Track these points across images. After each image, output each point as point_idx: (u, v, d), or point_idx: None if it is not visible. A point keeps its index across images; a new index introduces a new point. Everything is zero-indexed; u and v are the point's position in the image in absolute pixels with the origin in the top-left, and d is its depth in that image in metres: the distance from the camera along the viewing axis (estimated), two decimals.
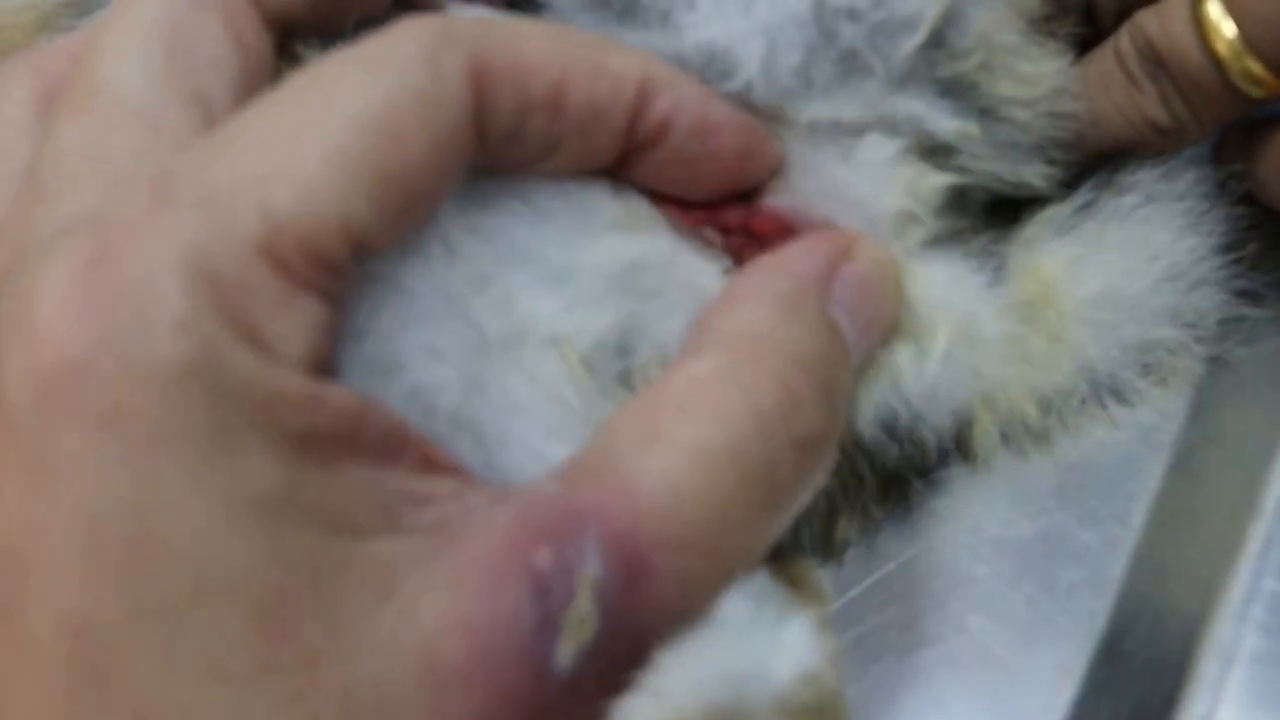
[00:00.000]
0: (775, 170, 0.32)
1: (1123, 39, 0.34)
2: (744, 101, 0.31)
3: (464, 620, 0.22)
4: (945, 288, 0.33)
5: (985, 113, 0.33)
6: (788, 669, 0.23)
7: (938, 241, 0.34)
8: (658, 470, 0.24)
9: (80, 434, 0.21)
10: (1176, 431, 0.37)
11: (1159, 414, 0.37)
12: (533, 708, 0.22)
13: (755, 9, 0.31)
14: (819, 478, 0.27)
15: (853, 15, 0.31)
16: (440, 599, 0.22)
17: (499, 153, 0.27)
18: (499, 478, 0.26)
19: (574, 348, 0.28)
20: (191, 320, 0.21)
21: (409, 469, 0.24)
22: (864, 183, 0.32)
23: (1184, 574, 0.35)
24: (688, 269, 0.30)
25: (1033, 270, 0.35)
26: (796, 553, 0.33)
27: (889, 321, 0.32)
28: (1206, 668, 0.33)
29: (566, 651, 0.22)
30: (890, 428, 0.33)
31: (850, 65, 0.32)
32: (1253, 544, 0.35)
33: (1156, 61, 0.34)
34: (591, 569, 0.23)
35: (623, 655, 0.23)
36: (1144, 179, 0.36)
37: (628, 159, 0.29)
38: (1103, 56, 0.35)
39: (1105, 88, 0.35)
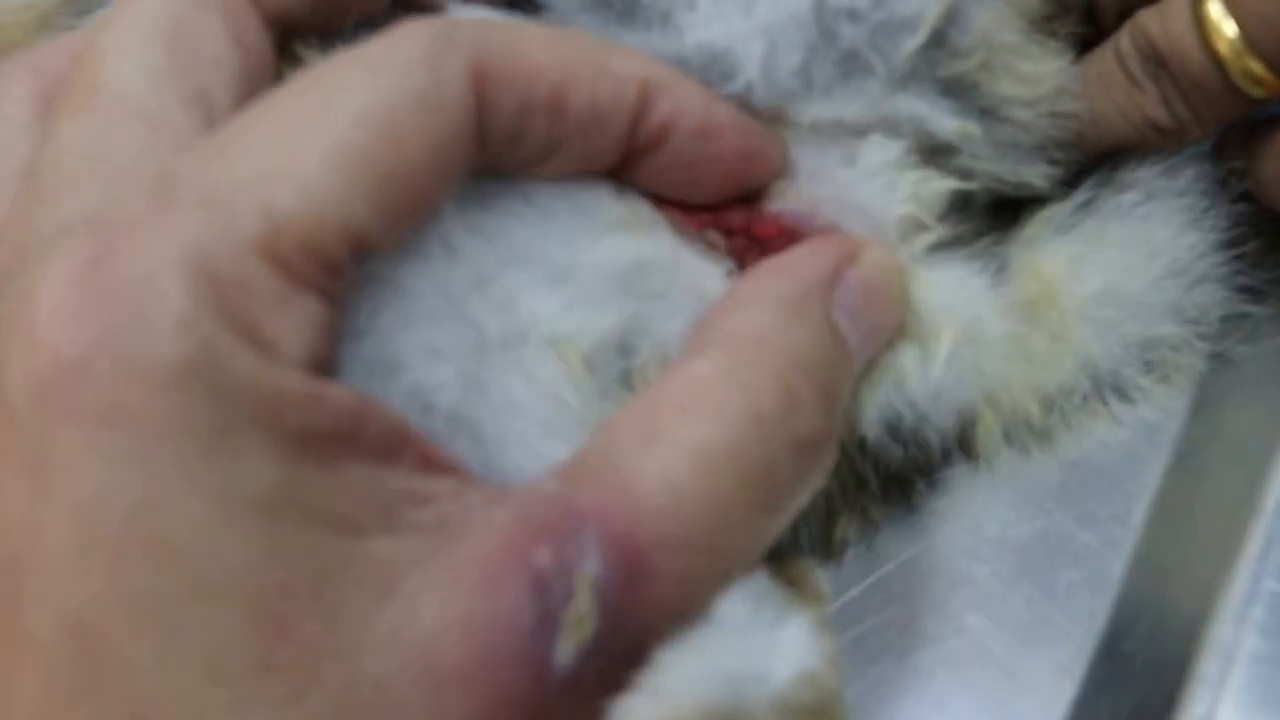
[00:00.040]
0: (778, 173, 0.32)
1: (1123, 39, 0.34)
2: (745, 103, 0.31)
3: (463, 619, 0.22)
4: (949, 291, 0.33)
5: (986, 112, 0.33)
6: (786, 669, 0.23)
7: (942, 245, 0.34)
8: (658, 470, 0.24)
9: (79, 434, 0.21)
10: (1178, 429, 0.37)
11: (1161, 411, 0.37)
12: (532, 706, 0.22)
13: (755, 9, 0.31)
14: (818, 479, 0.27)
15: (853, 15, 0.31)
16: (440, 598, 0.22)
17: (500, 155, 0.27)
18: (498, 477, 0.26)
19: (575, 348, 0.28)
20: (191, 320, 0.21)
21: (409, 468, 0.24)
22: (868, 187, 0.32)
23: (1184, 574, 0.36)
24: (690, 271, 0.30)
25: (1034, 270, 0.35)
26: (795, 553, 0.33)
27: (893, 326, 0.32)
28: (1206, 668, 0.33)
29: (566, 650, 0.23)
30: (894, 429, 0.33)
31: (851, 65, 0.32)
32: (1253, 544, 0.35)
33: (1157, 61, 0.34)
34: (591, 567, 0.23)
35: (622, 654, 0.23)
36: (1144, 176, 0.36)
37: (629, 162, 0.29)
38: (1103, 56, 0.35)
39: (1106, 87, 0.35)
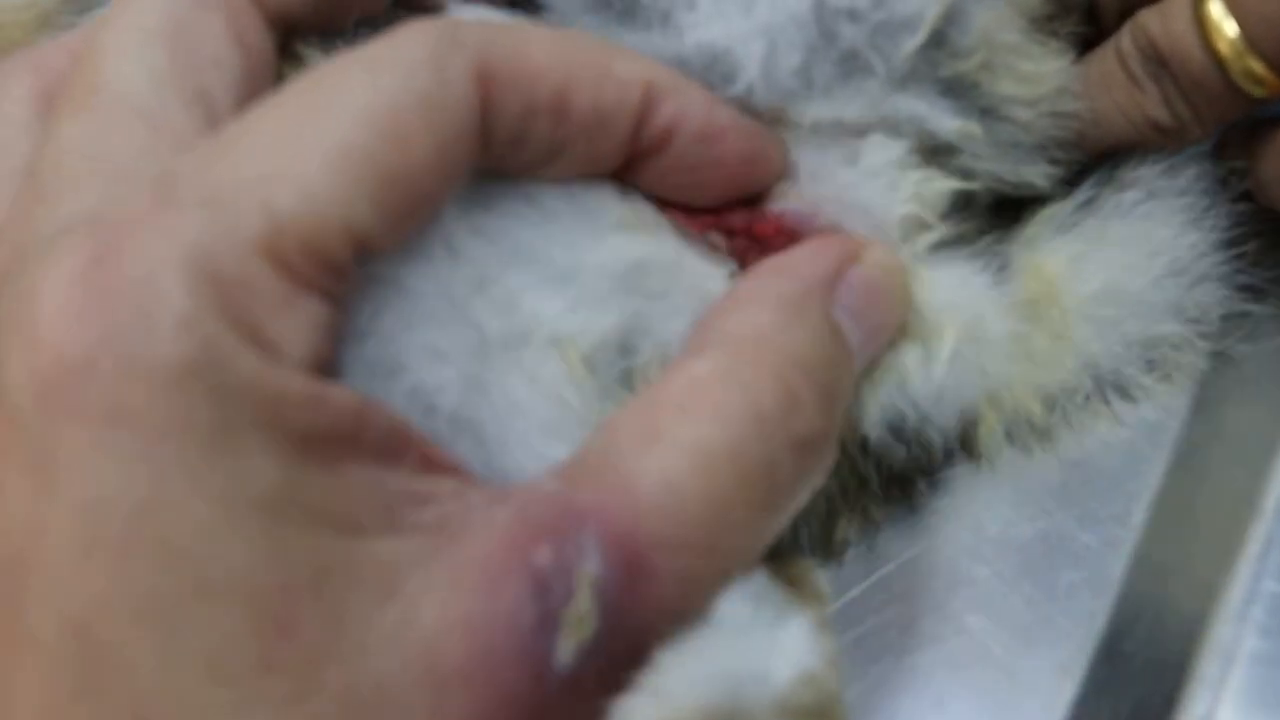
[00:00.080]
0: (780, 176, 0.32)
1: (1124, 38, 0.35)
2: (746, 105, 0.31)
3: (464, 619, 0.22)
4: (952, 290, 0.33)
5: (987, 112, 0.33)
6: (787, 670, 0.23)
7: (944, 244, 0.34)
8: (657, 470, 0.24)
9: (81, 433, 0.21)
10: (1179, 428, 0.37)
11: (1162, 410, 0.37)
12: (533, 706, 0.23)
13: (755, 10, 0.31)
14: (818, 479, 0.27)
15: (853, 15, 0.31)
16: (441, 598, 0.22)
17: (503, 157, 0.27)
18: (499, 478, 0.27)
19: (576, 348, 0.28)
20: (193, 320, 0.21)
21: (410, 469, 0.24)
22: (870, 186, 0.32)
23: (1184, 574, 0.36)
24: (692, 271, 0.30)
25: (1035, 269, 0.35)
26: (796, 553, 0.33)
27: (895, 326, 0.32)
28: (1206, 668, 0.34)
29: (566, 649, 0.23)
30: (897, 429, 0.33)
31: (851, 65, 0.32)
32: (1253, 545, 0.35)
33: (1158, 61, 0.34)
34: (591, 567, 0.23)
35: (622, 654, 0.23)
36: (1145, 175, 0.36)
37: (632, 165, 0.29)
38: (1104, 56, 0.35)
39: (1107, 87, 0.35)
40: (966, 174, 0.34)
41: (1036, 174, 0.35)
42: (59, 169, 0.25)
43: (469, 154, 0.26)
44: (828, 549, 0.35)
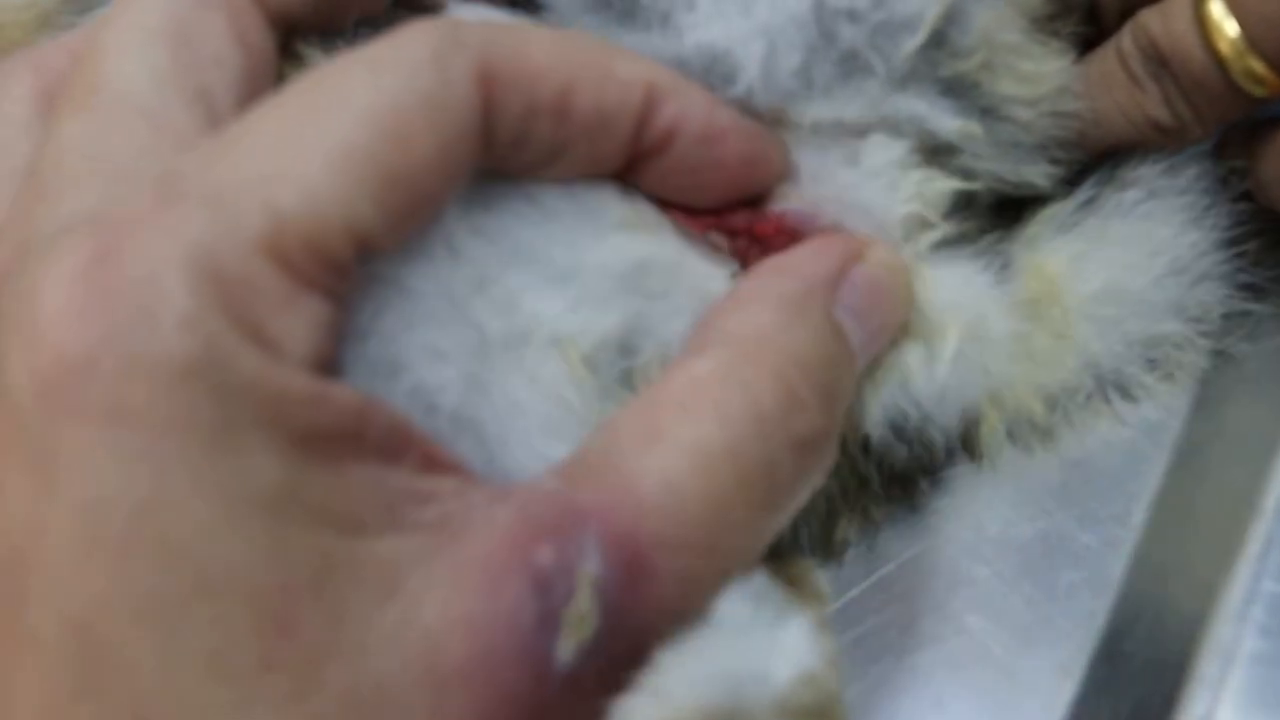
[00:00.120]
0: (781, 177, 0.32)
1: (1125, 38, 0.35)
2: (746, 106, 0.31)
3: (465, 618, 0.22)
4: (954, 289, 0.33)
5: (987, 112, 0.34)
6: (787, 670, 0.23)
7: (946, 243, 0.34)
8: (658, 469, 0.24)
9: (83, 432, 0.21)
10: (1180, 427, 0.37)
11: (1163, 410, 0.37)
12: (533, 706, 0.23)
13: (755, 10, 0.31)
14: (818, 478, 0.28)
15: (853, 16, 0.31)
16: (442, 597, 0.22)
17: (505, 157, 0.27)
18: (501, 477, 0.27)
19: (577, 348, 0.28)
20: (196, 318, 0.21)
21: (411, 467, 0.24)
22: (871, 186, 0.33)
23: (1184, 575, 0.36)
24: (694, 271, 0.30)
25: (1036, 268, 0.36)
26: (796, 553, 0.33)
27: (898, 326, 0.32)
28: (1206, 668, 0.34)
29: (567, 649, 0.23)
30: (899, 429, 0.34)
31: (851, 66, 0.32)
32: (1253, 545, 0.35)
33: (1159, 61, 0.34)
34: (592, 566, 0.23)
35: (622, 654, 0.23)
36: (1146, 174, 0.36)
37: (633, 166, 0.29)
38: (1105, 56, 0.35)
39: (1108, 87, 0.35)
40: (967, 174, 0.34)
41: (1037, 174, 0.35)
42: (60, 168, 0.25)
43: (471, 154, 0.26)
44: (828, 549, 0.35)
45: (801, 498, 0.27)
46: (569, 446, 0.26)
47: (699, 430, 0.25)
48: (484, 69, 0.25)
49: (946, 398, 0.33)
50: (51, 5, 0.35)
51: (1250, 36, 0.32)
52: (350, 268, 0.24)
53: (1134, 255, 0.36)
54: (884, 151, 0.33)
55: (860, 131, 0.33)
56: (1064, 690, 0.34)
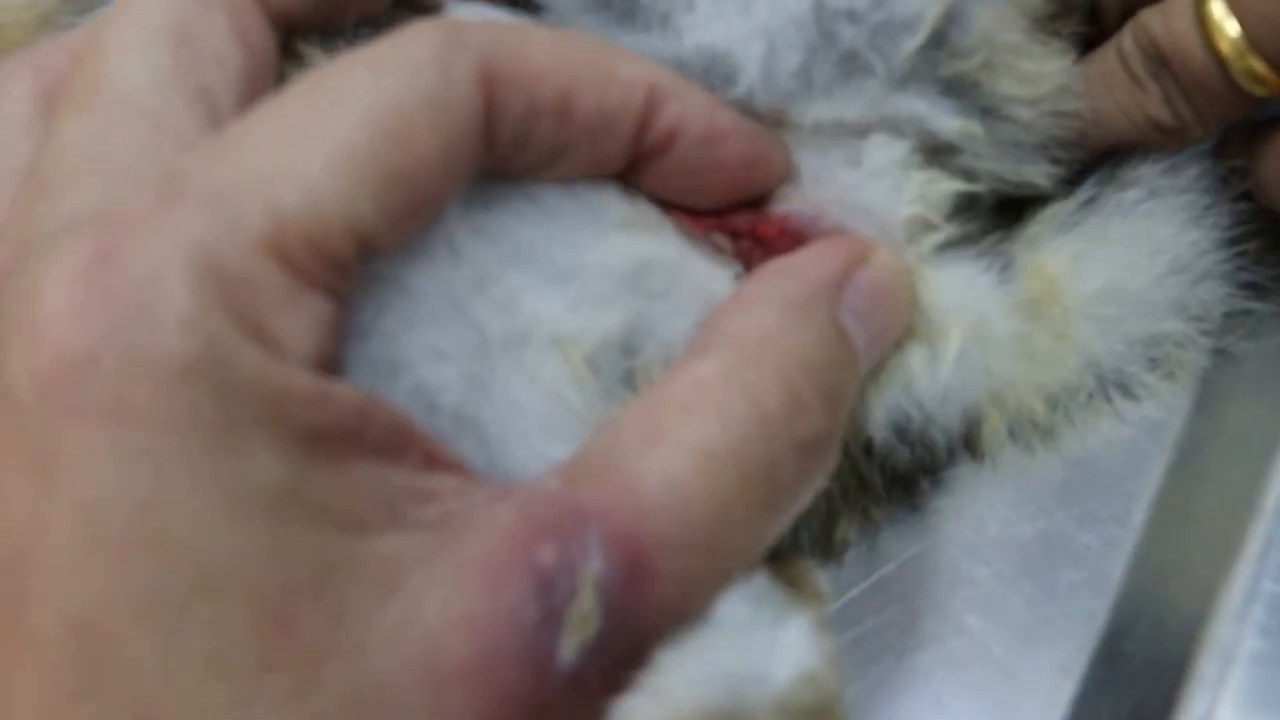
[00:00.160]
0: (782, 179, 0.32)
1: (1126, 38, 0.35)
2: (746, 107, 0.31)
3: (467, 617, 0.22)
4: (957, 290, 0.34)
5: (988, 112, 0.34)
6: (787, 670, 0.23)
7: (948, 245, 0.34)
8: (660, 470, 0.25)
9: (84, 430, 0.21)
10: (1181, 426, 0.37)
11: (1164, 409, 0.37)
12: (534, 705, 0.23)
13: (754, 11, 0.31)
14: (820, 480, 0.28)
15: (852, 16, 0.31)
16: (443, 596, 0.22)
17: (506, 158, 0.27)
18: (502, 476, 0.27)
19: (578, 348, 0.28)
20: (197, 316, 0.21)
21: (413, 466, 0.24)
22: (873, 188, 0.33)
23: (1184, 575, 0.36)
24: (696, 272, 0.31)
25: (1037, 268, 0.36)
26: (796, 553, 0.33)
27: (901, 329, 0.32)
28: (1206, 668, 0.34)
29: (569, 648, 0.23)
30: (902, 430, 0.34)
31: (850, 66, 0.32)
32: (1253, 545, 0.35)
33: (1160, 61, 0.34)
34: (594, 566, 0.23)
35: (623, 653, 0.23)
36: (1146, 174, 0.36)
37: (635, 167, 0.29)
38: (1106, 55, 0.35)
39: (1108, 87, 0.35)
40: (968, 173, 0.34)
41: (1038, 173, 0.35)
42: (61, 167, 0.25)
43: (473, 154, 0.26)
44: (828, 549, 0.35)
45: (804, 500, 0.27)
46: (570, 446, 0.26)
47: (702, 431, 0.25)
48: (486, 69, 0.25)
49: (949, 398, 0.34)
50: (51, 5, 0.35)
51: (1251, 36, 0.32)
52: (352, 267, 0.24)
53: (1135, 254, 0.36)
54: (886, 152, 0.33)
55: (861, 132, 0.33)
56: (1064, 690, 0.34)
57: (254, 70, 0.27)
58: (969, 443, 0.36)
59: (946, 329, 0.33)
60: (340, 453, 0.23)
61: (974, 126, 0.33)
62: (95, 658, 0.21)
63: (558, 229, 0.28)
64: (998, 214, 0.36)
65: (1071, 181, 0.36)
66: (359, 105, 0.24)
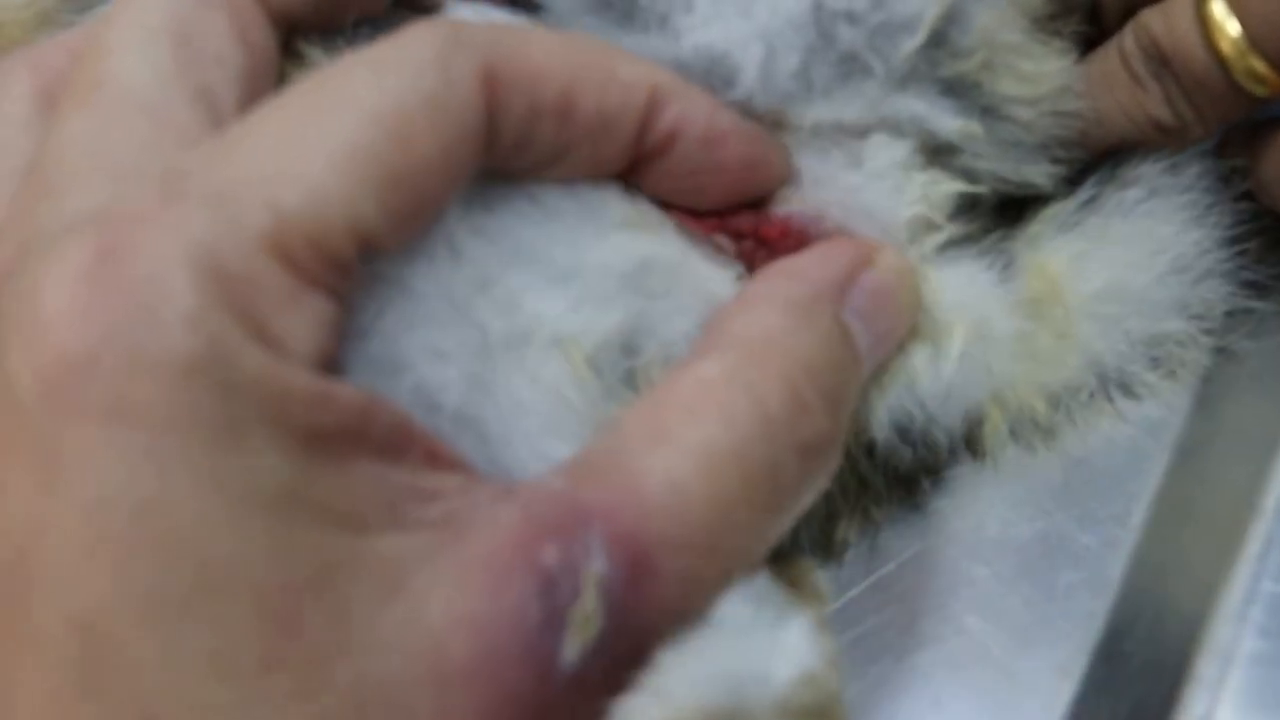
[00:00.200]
0: (783, 181, 0.32)
1: (1127, 38, 0.35)
2: (746, 109, 0.32)
3: (470, 617, 0.22)
4: (959, 290, 0.34)
5: (988, 111, 0.34)
6: (788, 670, 0.23)
7: (951, 245, 0.34)
8: (663, 470, 0.25)
9: (86, 429, 0.21)
10: (1181, 425, 0.38)
11: (1165, 407, 0.37)
12: (537, 705, 0.23)
13: (753, 12, 0.31)
14: (822, 481, 0.28)
15: (851, 18, 0.31)
16: (446, 595, 0.23)
17: (507, 158, 0.27)
18: (503, 476, 0.27)
19: (579, 347, 0.28)
20: (200, 316, 0.21)
21: (415, 464, 0.24)
22: (875, 189, 0.33)
23: (1183, 575, 0.36)
24: (697, 272, 0.31)
25: (1038, 267, 0.36)
26: (795, 553, 0.34)
27: (905, 331, 0.33)
28: (1205, 669, 0.34)
29: (571, 649, 0.23)
30: (904, 431, 0.34)
31: (850, 67, 0.32)
32: (1252, 545, 0.35)
33: (1161, 60, 0.34)
34: (597, 566, 0.23)
35: (625, 653, 0.23)
36: (1147, 173, 0.36)
37: (636, 168, 0.30)
38: (1107, 55, 0.35)
39: (1109, 87, 0.35)
40: (968, 174, 0.34)
41: (1038, 173, 0.35)
42: (62, 165, 0.25)
43: (474, 155, 0.26)
44: (828, 549, 0.35)
45: (805, 501, 0.27)
46: (571, 446, 0.26)
47: (705, 432, 0.25)
48: (487, 70, 0.26)
49: (951, 398, 0.34)
50: (51, 4, 0.35)
51: (1252, 36, 0.32)
52: (353, 267, 0.24)
53: (1136, 254, 0.36)
54: (887, 153, 0.33)
55: (860, 133, 0.33)
56: (1063, 690, 0.34)
57: (254, 69, 0.27)
58: (970, 442, 0.36)
59: (949, 328, 0.33)
60: (342, 452, 0.23)
61: (974, 126, 0.33)
62: (97, 658, 0.21)
63: (559, 229, 0.29)
64: (999, 213, 0.36)
65: (1072, 181, 0.37)
66: (360, 106, 0.24)
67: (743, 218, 0.32)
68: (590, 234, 0.29)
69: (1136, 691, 0.34)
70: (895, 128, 0.33)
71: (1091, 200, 0.37)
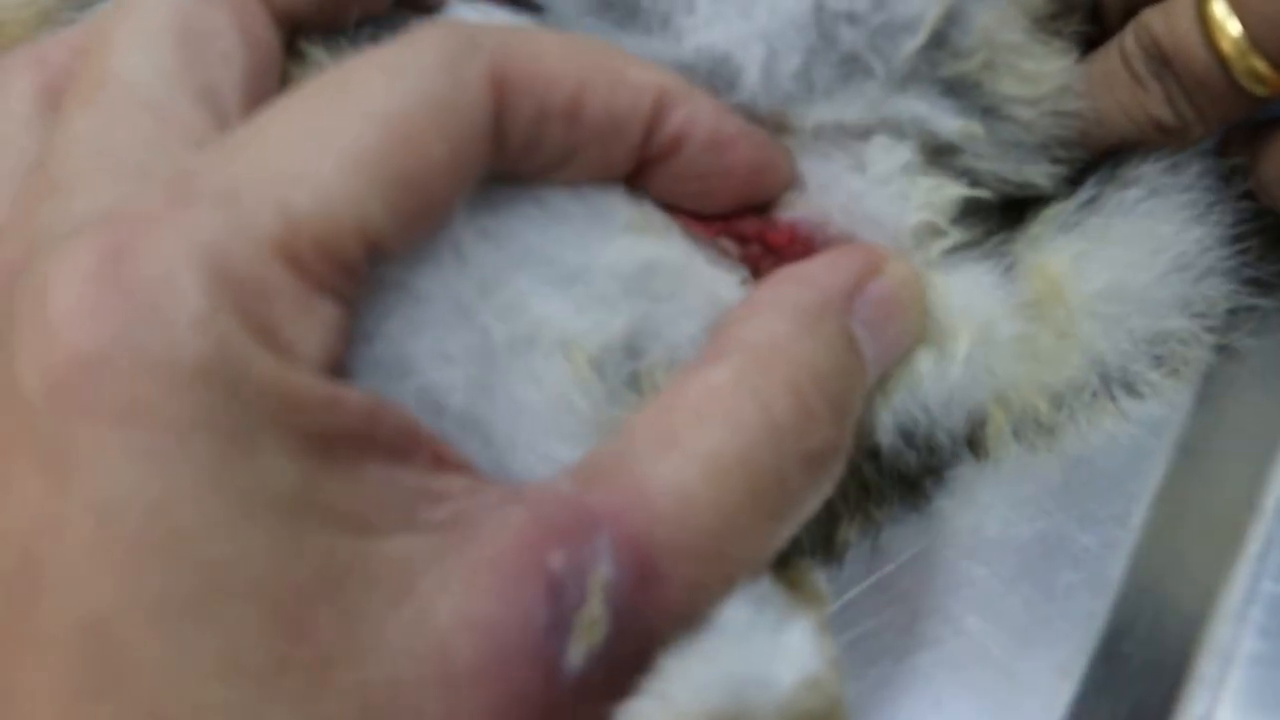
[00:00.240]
0: (788, 186, 0.32)
1: (1128, 38, 0.35)
2: (749, 112, 0.32)
3: (478, 620, 0.23)
4: (964, 293, 0.34)
5: (989, 112, 0.34)
6: (790, 674, 0.24)
7: (956, 249, 0.34)
8: (671, 475, 0.25)
9: (95, 430, 0.21)
10: (1183, 422, 0.38)
11: (1166, 405, 0.38)
12: (542, 707, 0.23)
13: (754, 13, 0.31)
14: (827, 488, 0.28)
15: (852, 18, 0.31)
16: (454, 598, 0.23)
17: (516, 161, 0.27)
18: (507, 478, 0.27)
19: (583, 350, 0.28)
20: (209, 318, 0.22)
21: (422, 467, 0.24)
22: (879, 195, 0.33)
23: (1183, 575, 0.36)
24: (702, 274, 0.31)
25: (1040, 268, 0.36)
26: (796, 554, 0.34)
27: (912, 340, 0.33)
28: (1205, 669, 0.34)
29: (577, 652, 0.23)
30: (909, 435, 0.34)
31: (851, 68, 0.32)
32: (1252, 545, 0.35)
33: (1162, 60, 0.34)
34: (604, 571, 0.23)
35: (629, 657, 0.24)
36: (1148, 172, 0.37)
37: (642, 171, 0.30)
38: (1107, 55, 0.36)
39: (1110, 86, 0.35)
40: (969, 174, 0.34)
41: (1039, 173, 0.35)
42: (67, 164, 0.25)
43: (482, 157, 0.26)
44: (829, 550, 0.35)
45: (810, 508, 0.28)
46: (575, 448, 0.27)
47: (712, 438, 0.26)
48: (496, 73, 0.26)
49: (954, 401, 0.34)
50: (52, 2, 0.35)
51: (1253, 36, 0.32)
52: (361, 270, 0.24)
53: (1137, 253, 0.36)
54: (890, 158, 0.33)
55: (861, 134, 0.33)
56: (1063, 691, 0.35)
57: (258, 68, 0.27)
58: (973, 443, 0.36)
59: (954, 333, 0.33)
60: (350, 455, 0.23)
61: (975, 127, 0.34)
62: (107, 659, 0.21)
63: (564, 232, 0.29)
64: (1000, 215, 0.36)
65: (1073, 181, 0.37)
66: (369, 108, 0.24)
67: (748, 222, 0.32)
68: (596, 237, 0.29)
69: (1136, 691, 0.35)
70: (896, 128, 0.33)
71: (1092, 200, 0.37)
